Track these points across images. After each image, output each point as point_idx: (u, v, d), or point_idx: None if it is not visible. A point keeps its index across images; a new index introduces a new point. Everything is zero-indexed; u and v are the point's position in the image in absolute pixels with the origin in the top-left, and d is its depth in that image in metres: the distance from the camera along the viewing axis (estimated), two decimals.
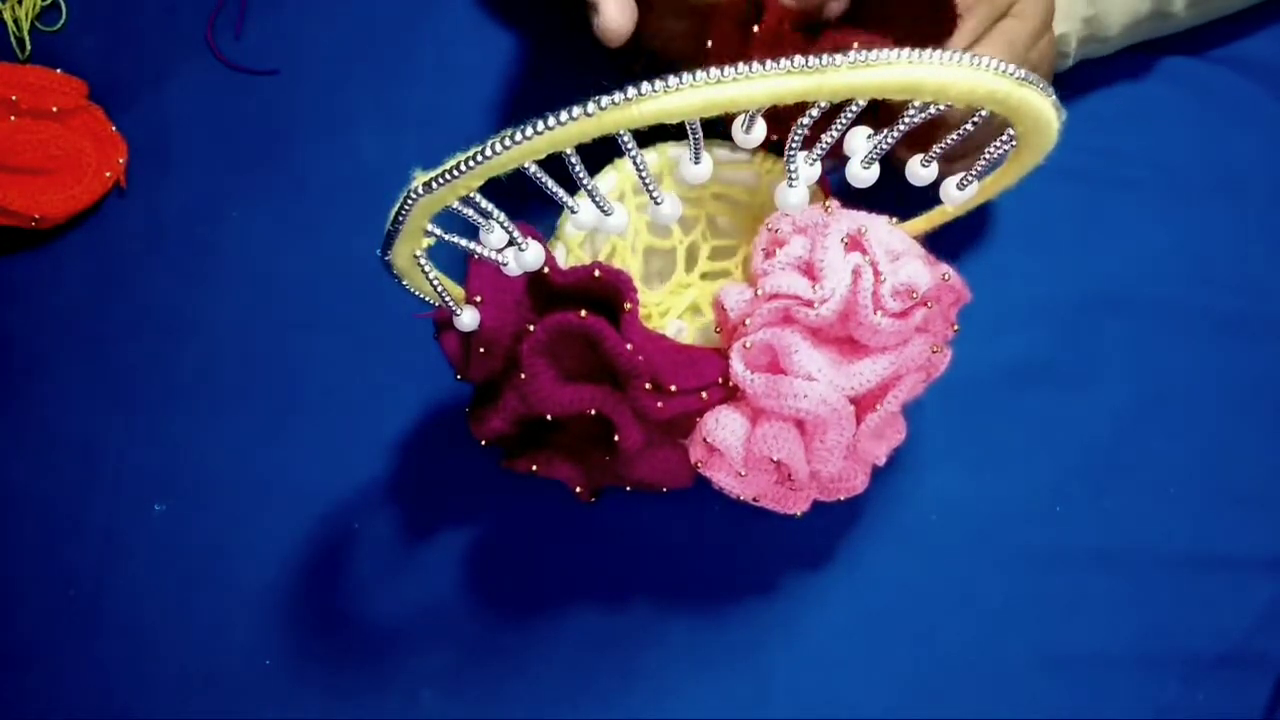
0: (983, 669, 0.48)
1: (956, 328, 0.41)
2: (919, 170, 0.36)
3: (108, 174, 0.57)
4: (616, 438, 0.39)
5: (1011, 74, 0.29)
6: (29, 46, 0.60)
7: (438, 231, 0.33)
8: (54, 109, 0.56)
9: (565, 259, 0.46)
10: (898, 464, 0.49)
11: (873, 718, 0.48)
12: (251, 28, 0.60)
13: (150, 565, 0.51)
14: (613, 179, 0.46)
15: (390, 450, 0.52)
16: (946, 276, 0.38)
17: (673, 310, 0.49)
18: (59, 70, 0.57)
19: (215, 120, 0.58)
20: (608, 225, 0.34)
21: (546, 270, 0.38)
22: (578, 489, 0.43)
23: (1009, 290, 0.53)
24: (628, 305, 0.38)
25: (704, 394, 0.39)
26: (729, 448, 0.39)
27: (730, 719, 0.48)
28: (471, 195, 0.31)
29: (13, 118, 0.55)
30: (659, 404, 0.38)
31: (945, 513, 0.50)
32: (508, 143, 0.28)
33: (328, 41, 0.59)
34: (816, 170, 0.35)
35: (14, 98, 0.55)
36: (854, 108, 0.31)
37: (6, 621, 0.51)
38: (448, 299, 0.37)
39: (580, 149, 0.29)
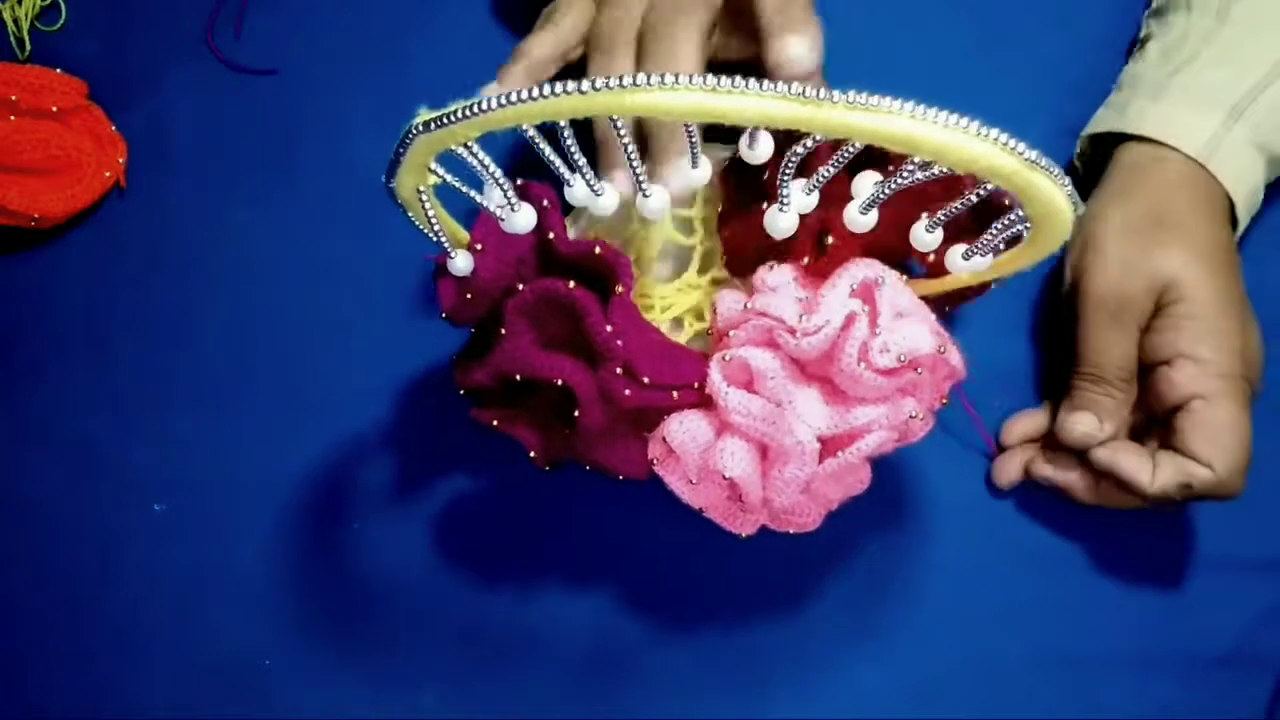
0: (983, 669, 0.48)
1: (946, 401, 0.40)
2: (923, 235, 0.36)
3: (107, 174, 0.57)
4: (577, 413, 0.39)
5: (1019, 152, 0.28)
6: (29, 46, 0.60)
7: (441, 172, 0.34)
8: (54, 109, 0.56)
9: (588, 229, 0.46)
10: (897, 463, 0.49)
11: (873, 717, 0.48)
12: (251, 28, 0.60)
13: (150, 565, 0.52)
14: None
15: (392, 451, 0.52)
16: (943, 350, 0.38)
17: (675, 307, 0.49)
18: (59, 70, 0.57)
19: (215, 120, 0.58)
20: (597, 205, 0.34)
21: (553, 236, 0.38)
22: (532, 454, 0.43)
23: (1007, 290, 0.53)
24: (619, 289, 0.38)
25: (675, 393, 0.38)
26: (686, 452, 0.38)
27: (731, 718, 0.48)
28: (474, 148, 0.32)
29: (12, 118, 0.55)
30: (626, 391, 0.37)
31: (945, 513, 0.50)
32: (503, 101, 0.29)
33: (328, 41, 0.59)
34: (813, 200, 0.34)
35: (14, 98, 0.55)
36: (851, 147, 0.31)
37: (6, 621, 0.51)
38: (444, 240, 0.37)
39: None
